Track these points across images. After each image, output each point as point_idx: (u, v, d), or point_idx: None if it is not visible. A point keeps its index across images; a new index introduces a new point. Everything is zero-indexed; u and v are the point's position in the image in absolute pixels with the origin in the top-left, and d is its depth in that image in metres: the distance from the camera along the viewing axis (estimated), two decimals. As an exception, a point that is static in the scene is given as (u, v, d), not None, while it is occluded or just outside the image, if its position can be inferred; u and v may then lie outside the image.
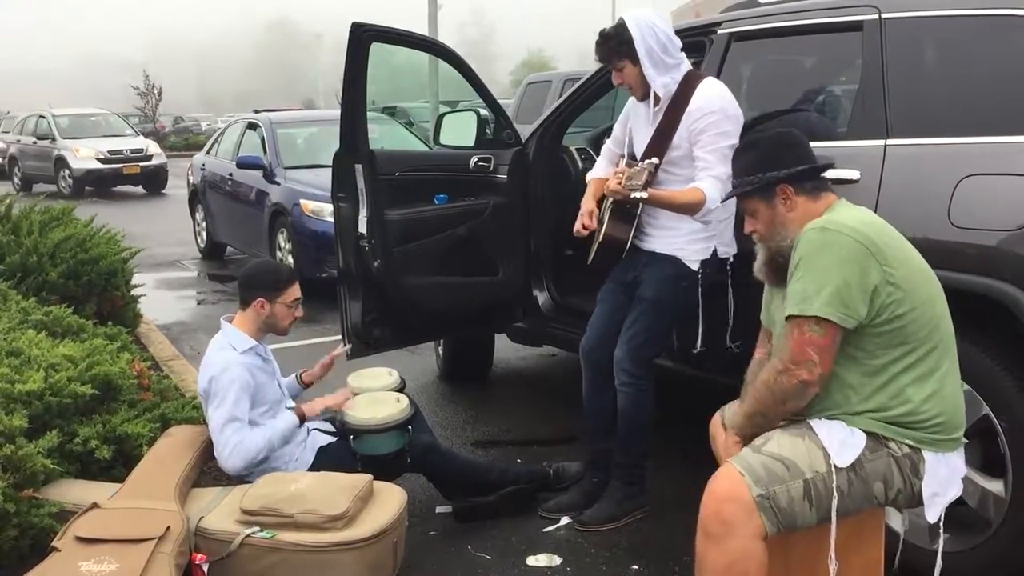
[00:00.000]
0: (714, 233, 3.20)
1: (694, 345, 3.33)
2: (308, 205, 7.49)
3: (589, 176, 3.57)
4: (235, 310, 3.42)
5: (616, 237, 3.30)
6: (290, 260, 7.58)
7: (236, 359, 3.22)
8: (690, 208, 3.08)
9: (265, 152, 8.53)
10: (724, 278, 3.25)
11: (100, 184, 17.80)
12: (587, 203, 3.43)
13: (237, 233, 9.18)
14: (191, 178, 10.39)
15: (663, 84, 3.16)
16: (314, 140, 9.03)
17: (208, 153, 10.27)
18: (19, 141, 20.11)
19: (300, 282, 3.44)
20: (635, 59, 3.15)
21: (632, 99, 3.38)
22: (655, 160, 3.09)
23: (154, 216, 14.05)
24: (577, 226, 3.37)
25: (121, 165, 17.72)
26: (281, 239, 7.89)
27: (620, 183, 3.05)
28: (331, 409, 3.44)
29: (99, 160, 17.65)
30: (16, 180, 19.96)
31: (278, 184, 8.03)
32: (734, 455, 2.22)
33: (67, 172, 17.78)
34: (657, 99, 3.20)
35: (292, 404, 3.44)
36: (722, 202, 2.76)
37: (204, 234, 10.10)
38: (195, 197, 10.21)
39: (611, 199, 3.27)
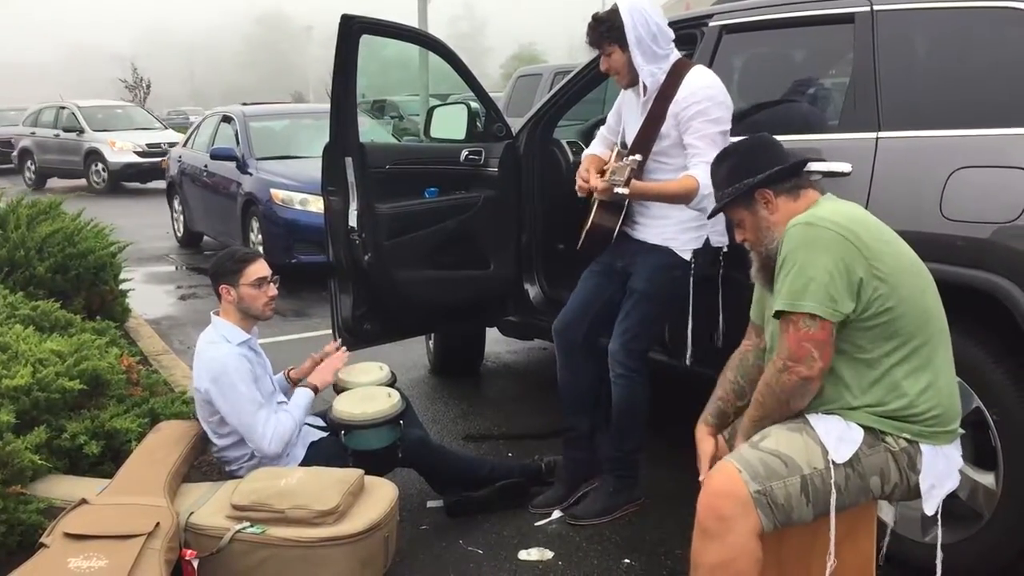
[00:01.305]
0: (706, 222, 3.20)
1: (684, 345, 3.32)
2: (278, 194, 7.90)
3: (585, 154, 3.55)
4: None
5: (603, 226, 3.30)
6: (261, 247, 7.91)
7: (232, 351, 3.19)
8: (683, 197, 3.07)
9: (238, 144, 8.94)
10: (717, 268, 3.24)
11: (137, 178, 17.12)
12: (586, 165, 3.38)
13: (212, 222, 9.59)
14: (169, 170, 10.93)
15: (651, 73, 3.15)
16: (285, 133, 9.56)
17: (185, 146, 10.78)
18: (34, 134, 18.90)
19: (271, 268, 3.40)
20: (624, 45, 3.14)
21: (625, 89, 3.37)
22: (638, 157, 3.10)
23: (141, 210, 13.98)
24: (579, 183, 3.32)
25: (160, 159, 16.57)
26: (253, 227, 8.26)
27: (606, 179, 3.06)
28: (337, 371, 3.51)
29: (137, 153, 16.95)
30: (29, 175, 18.92)
31: (250, 174, 8.42)
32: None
33: (101, 166, 17.08)
34: (646, 89, 3.19)
35: (283, 399, 3.43)
36: (709, 218, 2.77)
37: (181, 223, 10.55)
38: (172, 188, 10.73)
39: None
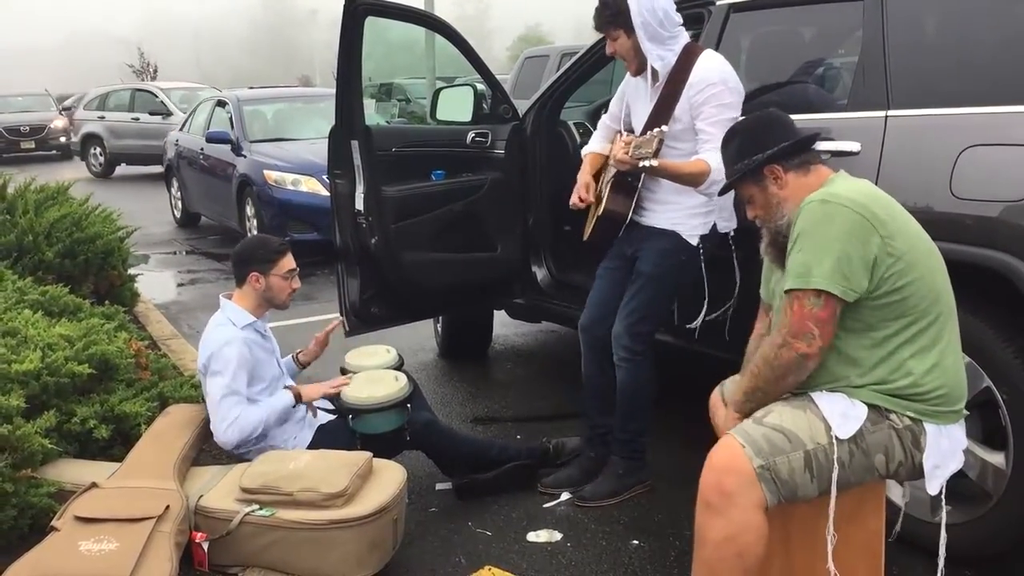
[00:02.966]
0: (713, 208, 3.18)
1: (693, 320, 3.32)
2: (271, 175, 8.29)
3: (584, 151, 3.54)
4: (234, 288, 3.40)
5: (616, 211, 3.27)
6: (255, 226, 8.38)
7: (235, 334, 3.20)
8: (695, 179, 3.05)
9: (232, 127, 9.34)
10: (727, 253, 3.23)
11: None
12: (584, 176, 3.39)
13: (209, 203, 9.96)
14: (167, 153, 11.26)
15: (659, 57, 3.12)
16: (278, 116, 10.05)
17: (182, 130, 11.13)
18: (103, 118, 17.33)
19: None
20: (630, 30, 3.11)
21: (629, 75, 3.34)
22: (664, 128, 3.02)
23: (148, 195, 13.97)
24: (573, 199, 3.33)
25: None
26: (248, 207, 8.62)
27: (627, 152, 3.01)
28: (328, 395, 3.41)
29: None
30: (97, 162, 17.35)
31: (244, 157, 8.79)
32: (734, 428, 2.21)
33: None
34: (655, 73, 3.16)
35: (291, 382, 3.43)
36: (719, 195, 2.75)
37: (179, 205, 10.95)
38: (170, 171, 11.11)
39: (611, 173, 3.24)
